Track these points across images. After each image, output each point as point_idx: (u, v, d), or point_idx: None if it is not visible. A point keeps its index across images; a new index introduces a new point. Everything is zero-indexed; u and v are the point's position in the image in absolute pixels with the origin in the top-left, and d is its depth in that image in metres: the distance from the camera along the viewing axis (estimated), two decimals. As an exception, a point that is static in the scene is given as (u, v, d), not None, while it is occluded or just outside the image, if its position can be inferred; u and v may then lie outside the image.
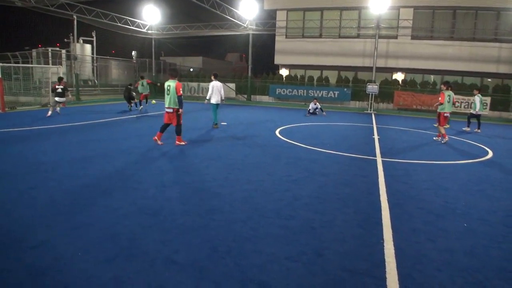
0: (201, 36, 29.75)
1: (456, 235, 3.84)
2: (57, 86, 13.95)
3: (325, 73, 25.28)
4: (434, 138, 10.65)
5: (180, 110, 7.99)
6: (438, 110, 10.24)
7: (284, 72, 26.34)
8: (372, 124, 14.42)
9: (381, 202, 4.77)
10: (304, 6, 24.80)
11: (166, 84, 7.98)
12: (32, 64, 24.52)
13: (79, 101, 20.32)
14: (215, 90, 10.89)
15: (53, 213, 4.01)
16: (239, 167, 6.43)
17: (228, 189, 5.10)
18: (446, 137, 10.21)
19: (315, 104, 17.17)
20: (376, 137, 10.79)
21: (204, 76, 27.53)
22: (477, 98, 13.21)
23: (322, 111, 17.38)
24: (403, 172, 6.59)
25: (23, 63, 24.19)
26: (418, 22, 22.47)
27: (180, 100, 7.92)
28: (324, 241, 3.55)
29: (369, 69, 22.79)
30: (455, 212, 4.54)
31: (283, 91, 24.07)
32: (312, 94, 22.20)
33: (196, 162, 6.78)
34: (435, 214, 4.43)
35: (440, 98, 10.04)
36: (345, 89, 22.65)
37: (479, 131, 13.13)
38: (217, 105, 11.14)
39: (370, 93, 20.73)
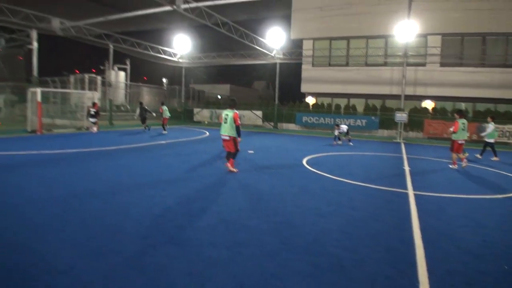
0: (229, 64, 30.68)
1: (495, 278, 3.60)
2: (90, 109, 16.51)
3: (352, 101, 25.15)
4: (450, 166, 10.75)
5: (239, 138, 8.34)
6: (452, 138, 10.47)
7: (310, 100, 26.39)
8: (402, 154, 14.06)
9: (415, 240, 4.57)
10: (331, 35, 25.10)
11: (224, 113, 8.36)
12: (70, 89, 26.03)
13: (111, 126, 21.13)
14: None
15: (83, 237, 4.11)
16: (266, 197, 6.40)
17: (255, 221, 5.05)
18: (456, 165, 10.68)
19: (339, 128, 16.13)
20: (406, 168, 10.47)
21: (231, 103, 28.00)
22: (490, 126, 12.88)
23: (348, 135, 16.36)
24: (437, 206, 6.32)
25: (60, 87, 25.72)
26: (447, 49, 22.22)
27: (238, 129, 8.25)
28: (355, 281, 3.41)
29: (397, 97, 22.50)
30: (494, 252, 4.27)
31: (310, 119, 24.04)
32: (340, 122, 21.98)
33: (223, 191, 6.80)
34: (472, 254, 4.18)
35: (454, 127, 10.36)
36: (373, 118, 22.38)
37: (479, 157, 13.02)
38: None
39: (399, 121, 20.27)
